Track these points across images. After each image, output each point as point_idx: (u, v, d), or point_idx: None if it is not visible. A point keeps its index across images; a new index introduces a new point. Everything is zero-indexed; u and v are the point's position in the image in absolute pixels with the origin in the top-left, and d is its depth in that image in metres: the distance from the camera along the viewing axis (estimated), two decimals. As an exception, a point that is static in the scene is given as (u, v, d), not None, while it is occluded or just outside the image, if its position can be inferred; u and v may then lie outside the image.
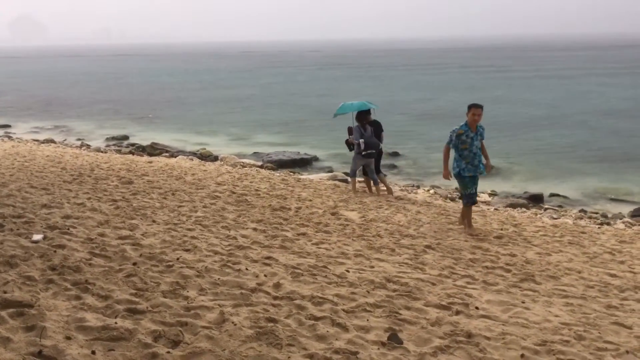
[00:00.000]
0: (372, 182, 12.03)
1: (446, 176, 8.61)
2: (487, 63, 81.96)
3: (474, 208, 12.19)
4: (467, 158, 8.35)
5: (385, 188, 12.26)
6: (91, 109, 35.71)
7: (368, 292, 5.11)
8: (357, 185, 12.19)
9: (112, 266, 5.01)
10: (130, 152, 19.53)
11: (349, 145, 11.92)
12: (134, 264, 5.15)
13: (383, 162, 18.12)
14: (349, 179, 12.89)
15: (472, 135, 8.29)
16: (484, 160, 8.51)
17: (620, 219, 12.78)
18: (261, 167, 17.42)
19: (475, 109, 8.23)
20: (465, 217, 8.92)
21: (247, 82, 55.58)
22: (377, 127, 11.80)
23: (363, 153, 11.48)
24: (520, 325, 4.63)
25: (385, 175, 12.96)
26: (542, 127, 26.07)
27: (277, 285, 4.97)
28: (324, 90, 45.54)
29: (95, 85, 54.28)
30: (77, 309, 3.93)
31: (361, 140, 11.38)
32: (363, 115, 11.63)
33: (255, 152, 20.45)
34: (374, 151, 11.51)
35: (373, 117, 11.89)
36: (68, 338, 3.42)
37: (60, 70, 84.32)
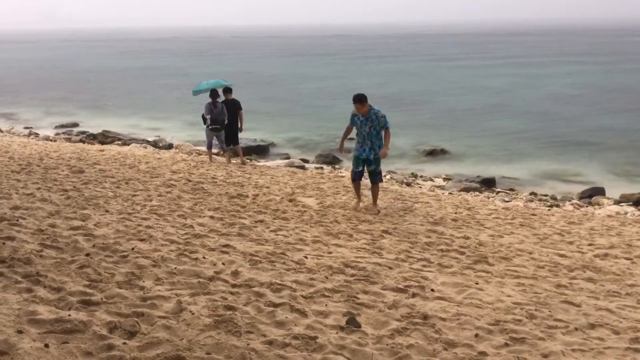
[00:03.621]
0: (224, 152, 13.86)
1: (340, 151, 9.70)
2: (442, 51, 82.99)
3: (428, 192, 12.43)
4: (359, 138, 9.01)
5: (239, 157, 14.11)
6: (39, 96, 34.52)
7: (326, 277, 5.14)
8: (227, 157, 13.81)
9: (64, 257, 4.87)
10: (81, 141, 19.01)
11: (204, 119, 13.21)
12: (87, 254, 5.02)
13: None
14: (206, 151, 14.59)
15: (362, 119, 8.82)
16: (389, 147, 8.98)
17: (569, 200, 13.22)
18: (217, 154, 17.22)
19: (357, 104, 8.71)
20: (354, 189, 9.40)
21: (201, 68, 54.72)
22: (235, 106, 13.31)
23: (210, 127, 13.10)
24: (474, 305, 4.75)
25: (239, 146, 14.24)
26: (493, 113, 26.63)
27: (235, 273, 4.94)
28: (281, 77, 45.29)
29: (43, 72, 52.46)
30: (29, 302, 3.82)
31: (208, 117, 12.99)
32: (215, 93, 13.06)
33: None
34: (219, 126, 13.09)
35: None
36: (20, 332, 3.32)
37: (4, 57, 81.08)
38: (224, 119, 13.09)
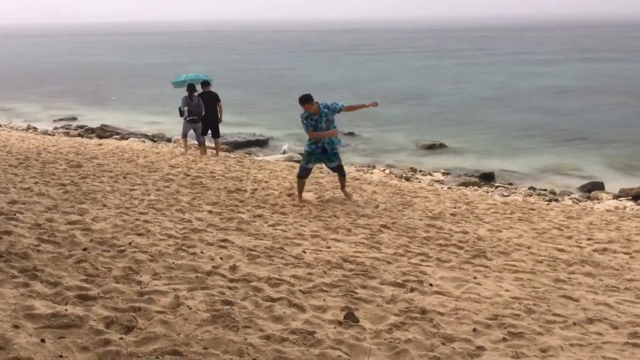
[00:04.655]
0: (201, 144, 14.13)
1: (323, 136, 8.81)
2: (446, 46, 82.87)
3: (427, 187, 12.41)
4: (314, 139, 8.81)
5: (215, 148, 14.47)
6: (38, 90, 34.44)
7: (324, 272, 5.13)
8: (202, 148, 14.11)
9: (62, 252, 4.86)
10: (79, 135, 18.98)
11: (181, 112, 13.51)
12: (85, 249, 5.01)
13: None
14: (180, 140, 15.10)
15: (316, 117, 8.70)
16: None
17: (568, 195, 13.21)
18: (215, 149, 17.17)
19: (306, 104, 8.56)
20: (298, 188, 9.06)
21: (201, 62, 54.61)
22: (213, 98, 13.62)
23: (187, 119, 13.38)
24: (473, 300, 4.74)
25: (219, 138, 14.55)
26: (493, 108, 26.60)
27: (233, 268, 4.93)
28: (279, 71, 45.21)
29: (43, 67, 52.35)
30: (25, 297, 3.81)
31: (185, 109, 13.31)
32: (192, 87, 13.37)
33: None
34: (196, 117, 13.39)
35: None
36: (16, 327, 3.31)
37: (7, 52, 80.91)
38: (200, 111, 13.44)
